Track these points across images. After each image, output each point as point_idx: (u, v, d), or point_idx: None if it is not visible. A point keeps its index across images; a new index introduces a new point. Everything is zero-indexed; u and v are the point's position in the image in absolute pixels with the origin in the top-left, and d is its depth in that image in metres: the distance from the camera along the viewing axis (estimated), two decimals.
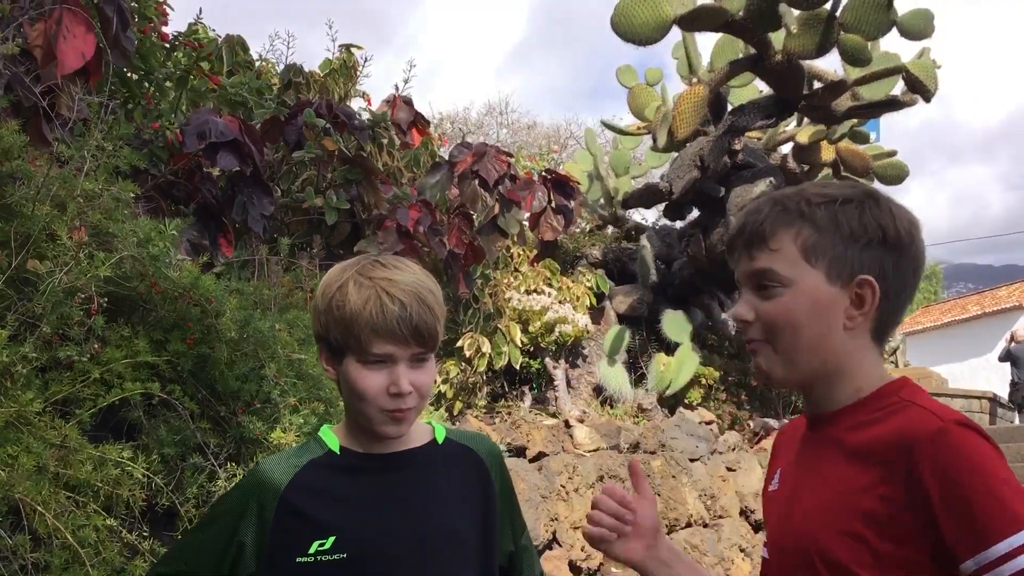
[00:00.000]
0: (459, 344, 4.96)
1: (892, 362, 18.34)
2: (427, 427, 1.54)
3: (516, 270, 6.61)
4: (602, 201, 8.73)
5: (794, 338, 1.23)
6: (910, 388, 1.22)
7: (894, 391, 1.22)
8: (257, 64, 6.25)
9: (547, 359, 6.02)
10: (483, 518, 1.49)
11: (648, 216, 10.08)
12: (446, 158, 5.49)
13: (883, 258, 1.23)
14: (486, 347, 4.94)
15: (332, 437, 1.47)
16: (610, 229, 8.86)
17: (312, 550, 1.36)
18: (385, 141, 5.93)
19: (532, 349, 6.06)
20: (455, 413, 4.89)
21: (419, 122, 6.82)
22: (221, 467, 2.98)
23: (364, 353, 1.34)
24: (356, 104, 6.75)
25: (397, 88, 6.97)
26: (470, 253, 5.19)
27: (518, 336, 5.56)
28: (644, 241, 7.67)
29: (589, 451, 5.37)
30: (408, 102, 6.75)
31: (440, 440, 1.52)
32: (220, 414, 3.07)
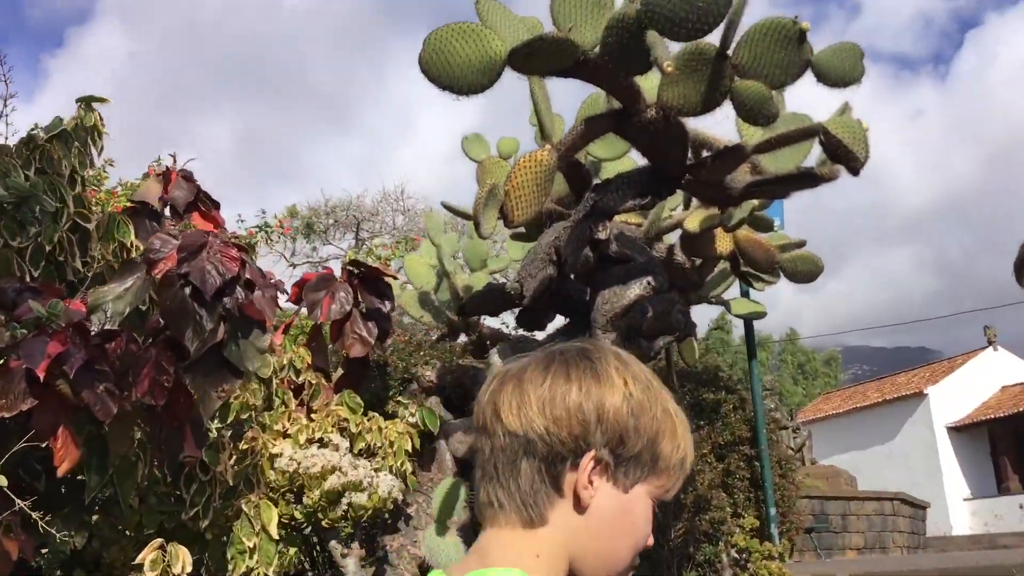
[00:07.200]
0: (137, 559, 2.95)
1: (799, 459, 17.13)
2: None
3: (305, 405, 4.70)
4: (452, 303, 6.94)
5: None
6: None
7: None
8: None
9: (333, 543, 4.11)
10: None
11: (511, 320, 8.25)
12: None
13: None
14: (180, 563, 2.94)
15: None
16: (463, 339, 7.03)
17: None
18: (92, 226, 4.04)
19: (310, 531, 4.13)
20: None
21: (202, 203, 4.90)
22: None
23: (662, 489, 1.17)
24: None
25: (174, 158, 5.14)
26: (179, 402, 3.28)
27: (274, 521, 3.61)
28: (494, 358, 5.88)
29: None
30: (188, 177, 4.84)
31: None
32: None
